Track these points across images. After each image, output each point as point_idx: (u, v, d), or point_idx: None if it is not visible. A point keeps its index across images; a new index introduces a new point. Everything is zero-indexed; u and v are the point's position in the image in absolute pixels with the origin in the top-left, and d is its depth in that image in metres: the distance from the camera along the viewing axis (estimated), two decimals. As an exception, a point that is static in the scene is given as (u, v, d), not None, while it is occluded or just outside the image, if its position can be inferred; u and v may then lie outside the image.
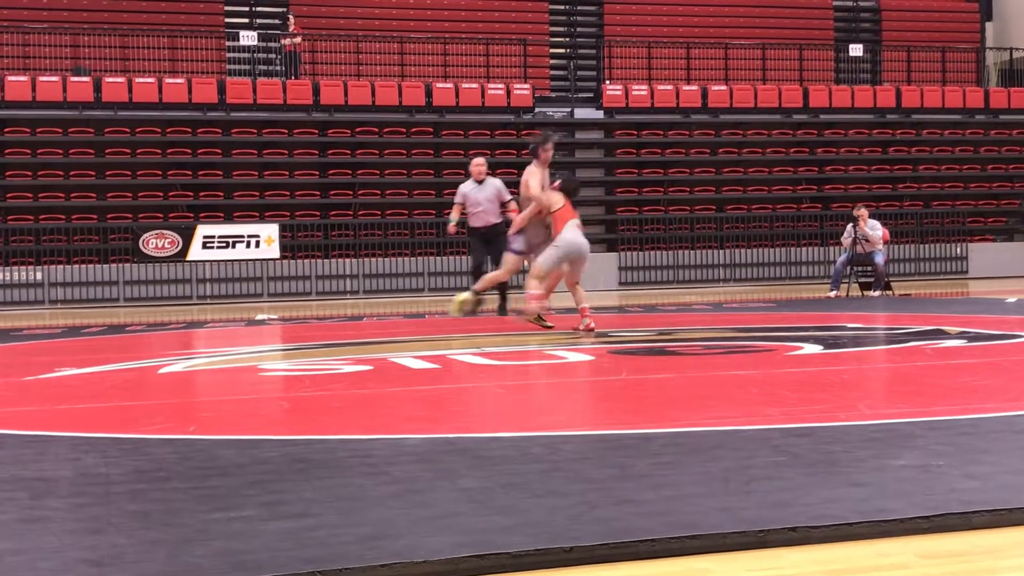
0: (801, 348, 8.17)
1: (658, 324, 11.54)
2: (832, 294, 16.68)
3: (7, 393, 6.77)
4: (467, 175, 13.93)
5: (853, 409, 5.14)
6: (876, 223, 17.18)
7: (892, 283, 17.70)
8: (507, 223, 12.74)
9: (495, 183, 13.84)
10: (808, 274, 23.48)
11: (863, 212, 17.06)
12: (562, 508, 3.18)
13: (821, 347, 8.26)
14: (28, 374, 7.71)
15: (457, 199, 13.81)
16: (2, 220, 20.71)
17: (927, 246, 24.23)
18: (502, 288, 13.48)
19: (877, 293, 16.68)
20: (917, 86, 26.10)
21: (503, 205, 13.61)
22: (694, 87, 24.69)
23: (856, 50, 26.70)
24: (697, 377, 6.61)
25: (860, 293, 17.06)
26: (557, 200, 10.45)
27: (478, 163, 13.81)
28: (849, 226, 17.01)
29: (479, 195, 13.64)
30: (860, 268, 17.33)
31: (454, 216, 13.81)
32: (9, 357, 9.70)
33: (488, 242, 13.66)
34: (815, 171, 24.94)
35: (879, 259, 16.86)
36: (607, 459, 3.92)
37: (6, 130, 21.19)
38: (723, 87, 24.82)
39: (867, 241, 16.76)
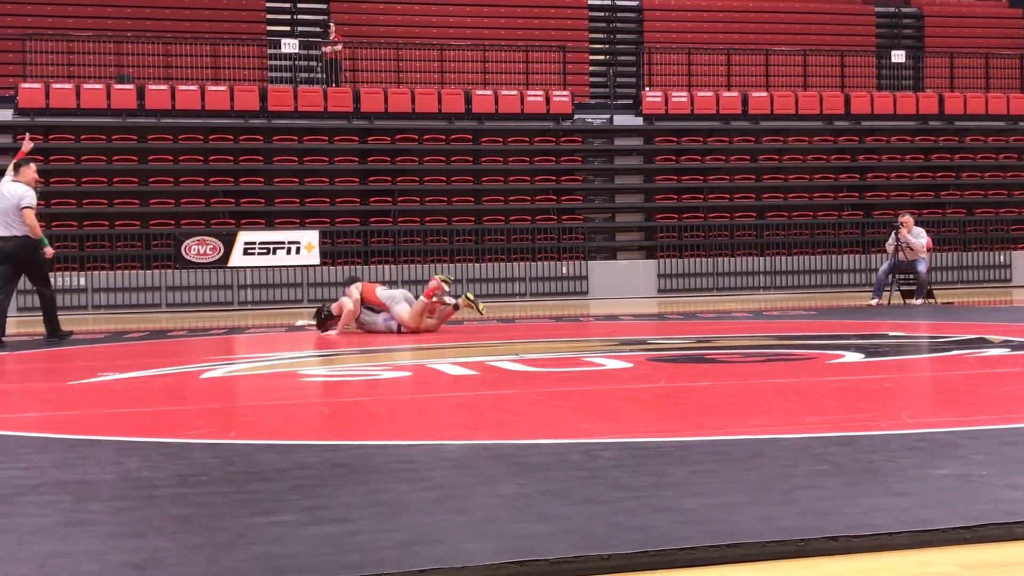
0: (842, 356, 8.11)
1: (697, 332, 11.49)
2: (874, 302, 16.55)
3: (51, 397, 6.84)
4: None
5: (895, 418, 5.10)
6: (920, 231, 17.05)
7: (934, 291, 17.55)
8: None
9: None
10: (849, 282, 23.31)
11: (907, 219, 16.93)
12: (601, 515, 3.18)
13: (863, 355, 8.20)
14: (72, 379, 7.79)
15: (34, 203, 11.75)
16: (47, 226, 20.93)
17: (970, 254, 24.01)
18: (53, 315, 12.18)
19: (919, 301, 16.54)
20: (960, 93, 25.87)
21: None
22: (734, 93, 24.60)
23: (898, 56, 26.50)
24: (736, 385, 6.58)
25: (902, 301, 16.92)
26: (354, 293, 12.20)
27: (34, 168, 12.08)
28: (893, 233, 16.88)
29: None
30: (902, 276, 17.20)
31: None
32: (53, 362, 9.81)
33: None
34: (857, 178, 24.77)
35: (922, 267, 16.72)
36: (646, 467, 3.91)
37: (51, 137, 21.44)
38: (764, 93, 24.71)
39: (910, 249, 16.64)
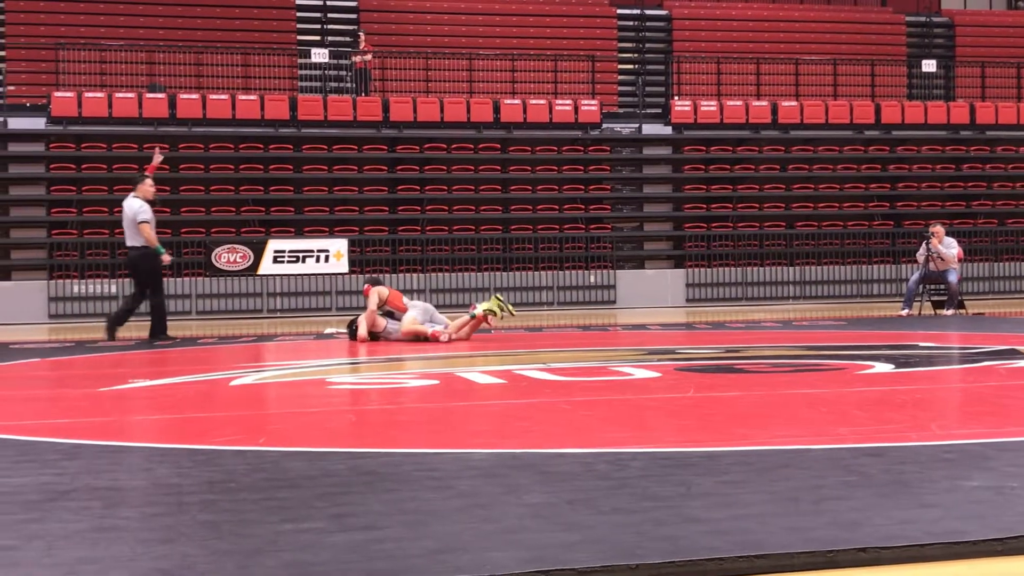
0: (872, 367, 8.07)
1: (726, 341, 11.45)
2: (904, 312, 16.46)
3: (82, 404, 6.89)
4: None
5: (925, 429, 5.07)
6: (952, 241, 16.95)
7: (965, 301, 17.43)
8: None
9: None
10: (880, 292, 23.18)
11: (939, 229, 16.83)
12: (628, 525, 3.17)
13: (893, 366, 8.16)
14: (103, 385, 7.85)
15: (149, 217, 13.05)
16: (79, 234, 21.12)
17: (1001, 264, 23.82)
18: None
19: (950, 312, 16.43)
20: (992, 102, 25.69)
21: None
22: (764, 103, 24.53)
23: (929, 66, 26.34)
24: (765, 395, 6.55)
25: (933, 312, 16.81)
26: (383, 293, 12.39)
27: (152, 183, 13.43)
28: (924, 243, 16.79)
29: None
30: (933, 286, 17.09)
31: (155, 237, 13.09)
32: (84, 368, 9.88)
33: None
34: (887, 188, 24.64)
35: (952, 277, 16.61)
36: (674, 477, 3.90)
37: (83, 145, 21.61)
38: (793, 103, 24.63)
39: (941, 259, 16.54)
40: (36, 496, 3.78)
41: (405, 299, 12.55)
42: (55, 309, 20.18)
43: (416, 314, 12.20)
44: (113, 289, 20.38)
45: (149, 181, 13.44)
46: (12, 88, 22.86)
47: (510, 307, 12.64)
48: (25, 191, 21.58)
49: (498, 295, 12.79)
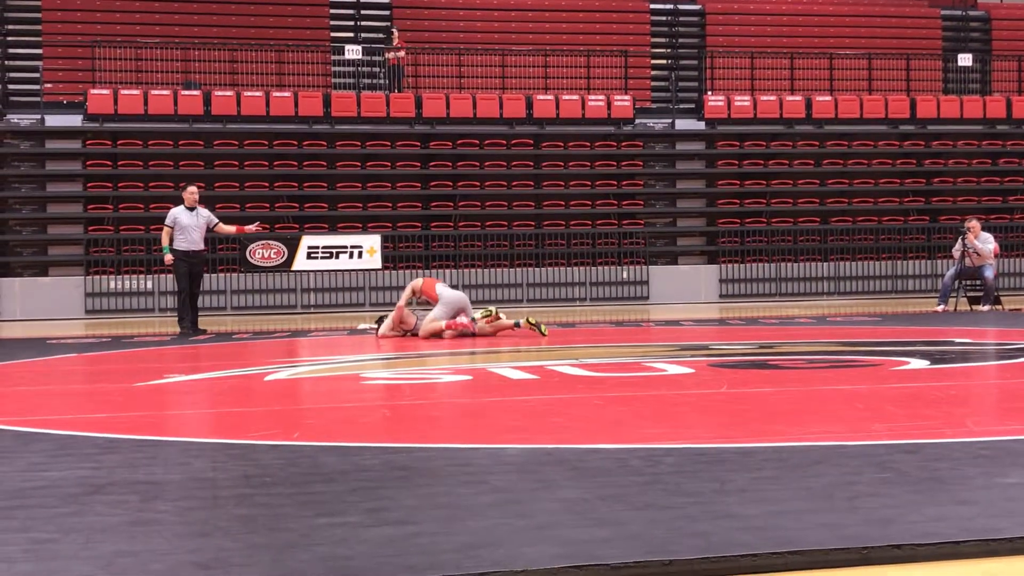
0: (907, 363, 8.02)
1: (760, 337, 11.41)
2: (940, 308, 16.34)
3: (119, 399, 6.95)
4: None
5: (961, 426, 5.04)
6: (988, 236, 16.81)
7: (1002, 297, 17.28)
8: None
9: (206, 213, 14.58)
10: (915, 288, 23.01)
11: (975, 224, 16.69)
12: (661, 521, 3.17)
13: (928, 362, 8.10)
14: (139, 380, 7.91)
15: (168, 222, 14.18)
16: (115, 230, 21.28)
17: (1039, 260, 23.59)
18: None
19: (986, 308, 16.30)
20: (1029, 96, 25.44)
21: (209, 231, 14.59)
22: (798, 97, 24.40)
23: (965, 60, 26.10)
24: (799, 391, 6.53)
25: (969, 308, 16.68)
26: (417, 284, 12.54)
27: (192, 191, 14.32)
28: (959, 238, 16.67)
29: (191, 221, 14.21)
30: (969, 282, 16.96)
31: (166, 240, 14.12)
32: (121, 363, 9.96)
33: (193, 266, 14.26)
34: (922, 183, 24.45)
35: (989, 273, 16.48)
36: (707, 473, 3.90)
37: (119, 142, 21.77)
38: (828, 97, 24.48)
39: (977, 254, 16.40)
40: (74, 489, 3.82)
41: (439, 287, 12.41)
42: (92, 304, 20.36)
43: (438, 312, 12.06)
44: (149, 285, 20.54)
45: (189, 188, 14.38)
46: (49, 86, 23.06)
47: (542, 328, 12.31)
48: (62, 188, 21.78)
49: (544, 327, 12.36)
